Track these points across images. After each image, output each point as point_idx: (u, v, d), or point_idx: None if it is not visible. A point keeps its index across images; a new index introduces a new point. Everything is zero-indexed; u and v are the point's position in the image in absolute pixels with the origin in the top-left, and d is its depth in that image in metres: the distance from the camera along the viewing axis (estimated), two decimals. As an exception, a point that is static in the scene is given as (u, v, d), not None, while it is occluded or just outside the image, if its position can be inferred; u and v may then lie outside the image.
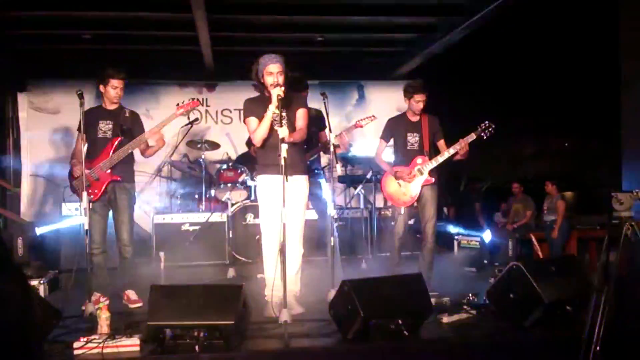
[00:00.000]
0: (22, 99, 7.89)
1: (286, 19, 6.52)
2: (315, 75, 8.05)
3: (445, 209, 7.26)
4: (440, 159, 5.00)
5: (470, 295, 4.41)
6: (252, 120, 4.31)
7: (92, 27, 6.56)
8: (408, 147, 5.09)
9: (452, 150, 4.95)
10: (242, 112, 4.46)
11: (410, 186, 5.04)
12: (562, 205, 7.50)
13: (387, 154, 5.30)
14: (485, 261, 6.37)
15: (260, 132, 4.24)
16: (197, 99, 5.05)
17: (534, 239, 6.47)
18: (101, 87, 4.72)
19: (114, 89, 4.69)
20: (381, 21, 6.69)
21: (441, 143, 5.12)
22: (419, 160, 5.04)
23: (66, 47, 7.29)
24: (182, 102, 4.88)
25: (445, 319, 3.98)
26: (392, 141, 5.23)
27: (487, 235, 6.48)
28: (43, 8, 5.92)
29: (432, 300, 4.01)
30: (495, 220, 8.87)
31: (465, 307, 4.21)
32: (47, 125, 7.72)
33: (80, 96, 4.45)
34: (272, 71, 4.22)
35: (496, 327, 3.81)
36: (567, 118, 10.12)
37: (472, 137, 4.93)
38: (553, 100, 9.57)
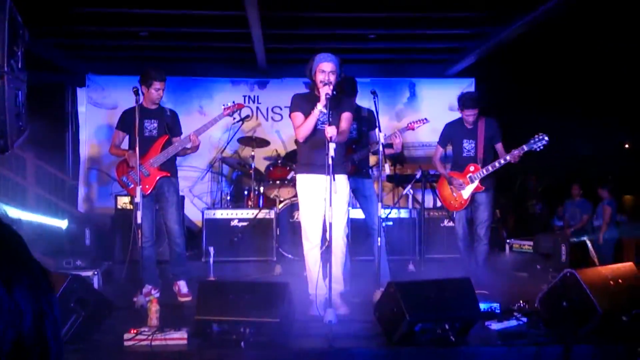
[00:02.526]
0: (81, 94, 8.16)
1: (338, 15, 6.48)
2: (366, 72, 8.01)
3: (497, 211, 7.06)
4: (490, 168, 5.10)
5: (521, 301, 4.28)
6: (298, 116, 4.34)
7: (149, 24, 6.71)
8: (464, 154, 5.25)
9: (502, 161, 5.06)
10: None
11: (462, 193, 5.23)
12: (608, 211, 7.24)
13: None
14: (539, 266, 6.18)
15: (305, 128, 4.25)
16: (241, 103, 5.26)
17: (590, 245, 6.24)
18: (143, 89, 4.85)
19: (156, 90, 4.84)
20: (434, 16, 6.56)
21: (499, 146, 5.20)
22: (471, 168, 5.19)
23: (124, 43, 7.49)
24: (227, 104, 5.06)
25: (494, 326, 3.88)
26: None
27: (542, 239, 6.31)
28: (102, 5, 6.10)
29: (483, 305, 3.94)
30: (551, 224, 8.62)
31: (515, 313, 4.09)
32: (104, 120, 7.96)
33: (136, 93, 4.63)
34: (325, 69, 4.22)
35: (548, 336, 3.69)
36: (628, 118, 9.70)
37: (524, 149, 4.96)
38: (613, 100, 9.20)
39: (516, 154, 4.95)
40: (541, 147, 4.93)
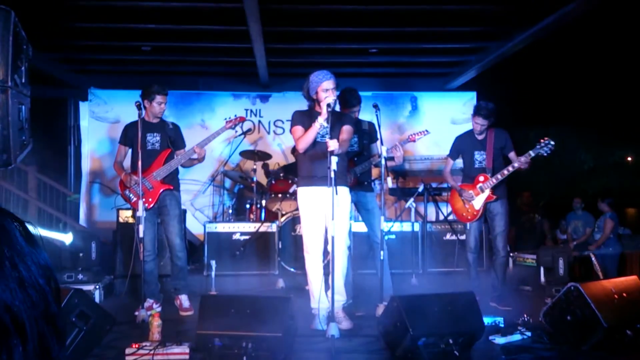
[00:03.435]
0: (84, 108, 8.18)
1: (340, 30, 6.52)
2: (368, 86, 8.05)
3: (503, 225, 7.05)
4: (500, 177, 5.07)
5: (525, 315, 4.25)
6: (299, 129, 4.36)
7: (152, 39, 6.75)
8: (476, 165, 5.24)
9: (510, 169, 5.02)
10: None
11: (473, 204, 5.19)
12: (609, 224, 7.23)
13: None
14: (543, 280, 6.15)
15: (305, 139, 4.26)
16: (243, 116, 5.31)
17: (594, 258, 6.21)
18: (146, 103, 4.86)
19: (159, 104, 4.86)
20: (435, 31, 6.60)
21: (512, 155, 5.22)
22: (481, 178, 5.17)
23: (126, 58, 7.53)
24: (229, 118, 5.10)
25: (498, 340, 3.85)
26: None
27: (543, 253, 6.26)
28: (106, 21, 6.15)
29: (487, 319, 3.91)
30: (555, 237, 8.59)
31: (519, 327, 4.06)
32: (107, 134, 7.98)
33: (139, 107, 4.65)
34: (328, 88, 4.24)
35: (552, 351, 3.65)
36: (630, 131, 9.71)
37: (530, 154, 4.92)
38: (615, 113, 9.21)
39: (523, 160, 4.94)
40: (548, 152, 4.92)
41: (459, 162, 5.57)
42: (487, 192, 5.10)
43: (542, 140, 4.93)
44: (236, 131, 5.56)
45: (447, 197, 5.71)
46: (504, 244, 5.15)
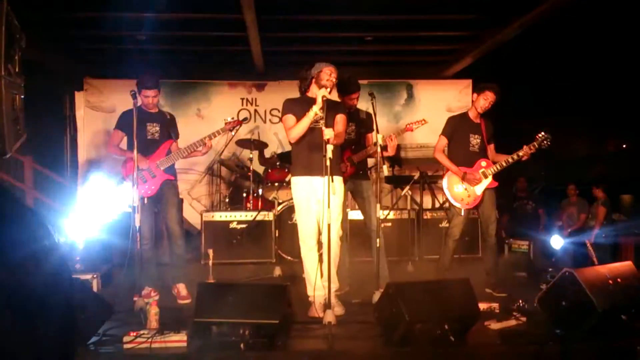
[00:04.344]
0: (80, 98, 8.15)
1: (335, 18, 6.50)
2: (363, 74, 8.02)
3: (496, 211, 7.05)
4: (504, 164, 5.03)
5: (520, 301, 4.29)
6: (290, 118, 4.36)
7: (147, 28, 6.71)
8: (470, 149, 5.13)
9: (515, 157, 5.00)
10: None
11: (475, 189, 5.09)
12: (602, 212, 7.28)
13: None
14: (538, 266, 6.19)
15: (298, 129, 4.27)
16: (240, 120, 5.26)
17: (589, 244, 6.25)
18: (137, 94, 4.85)
19: (146, 97, 4.86)
20: (431, 18, 6.58)
21: (491, 147, 5.13)
22: (483, 163, 5.11)
23: (122, 47, 7.49)
24: (229, 119, 5.11)
25: (494, 325, 3.89)
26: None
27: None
28: (101, 9, 6.11)
29: (483, 305, 3.95)
30: (550, 224, 8.63)
31: (515, 313, 4.11)
32: (103, 123, 7.96)
33: (133, 96, 4.62)
34: (331, 72, 4.31)
35: (547, 335, 3.68)
36: (625, 119, 9.73)
37: (535, 146, 4.96)
38: (611, 101, 9.22)
39: (527, 150, 4.94)
40: (548, 144, 4.95)
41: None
42: (490, 178, 5.05)
43: (540, 134, 4.96)
44: (232, 134, 5.54)
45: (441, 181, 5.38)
46: (495, 231, 5.13)
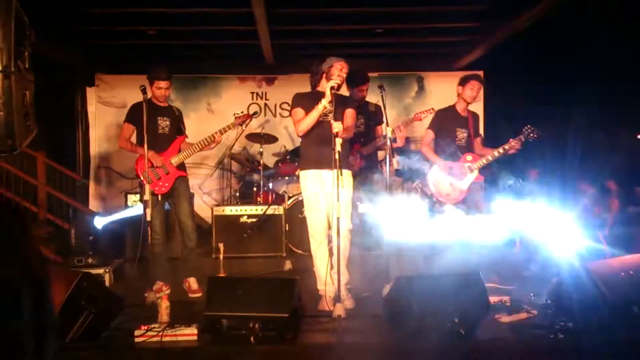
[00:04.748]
0: (91, 93, 8.21)
1: (345, 10, 6.46)
2: (374, 67, 7.99)
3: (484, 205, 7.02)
4: (490, 158, 4.98)
5: (531, 294, 4.26)
6: (299, 111, 4.36)
7: (157, 23, 6.73)
8: (457, 142, 5.08)
9: (501, 151, 4.96)
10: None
11: (461, 183, 5.01)
12: (615, 204, 7.20)
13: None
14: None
15: (306, 122, 4.27)
16: (249, 114, 5.27)
17: (600, 237, 6.19)
18: (148, 87, 4.86)
19: (158, 89, 4.86)
20: (441, 10, 6.53)
21: (477, 141, 5.09)
22: (469, 157, 5.04)
23: (132, 42, 7.51)
24: (238, 113, 5.13)
25: (504, 319, 3.87)
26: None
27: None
28: (111, 5, 6.13)
29: (493, 298, 3.93)
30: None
31: (525, 306, 4.08)
32: (114, 118, 8.00)
33: (143, 91, 4.65)
34: (342, 66, 4.31)
35: (557, 328, 3.65)
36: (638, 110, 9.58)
37: (522, 140, 4.90)
38: (628, 90, 9.09)
39: (513, 144, 4.88)
40: (535, 137, 4.88)
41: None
42: (476, 172, 4.98)
43: (525, 129, 4.91)
44: (243, 128, 5.56)
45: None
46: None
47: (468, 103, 5.06)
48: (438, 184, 5.08)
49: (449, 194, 5.04)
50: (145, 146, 4.59)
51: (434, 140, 5.18)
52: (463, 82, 5.09)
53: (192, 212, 5.12)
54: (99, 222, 6.01)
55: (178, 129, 5.03)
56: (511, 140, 4.92)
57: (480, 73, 8.22)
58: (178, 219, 5.04)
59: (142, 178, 4.86)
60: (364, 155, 5.05)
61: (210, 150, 5.29)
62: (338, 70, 4.28)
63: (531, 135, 4.88)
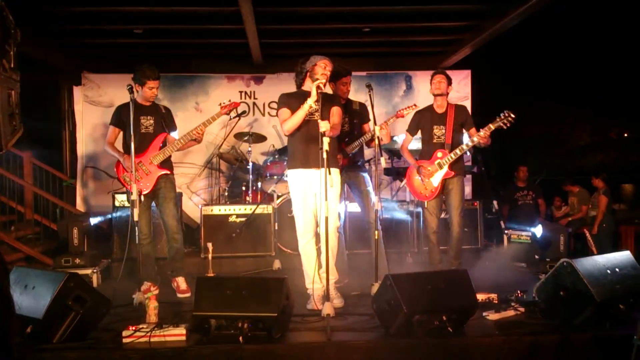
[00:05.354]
0: (78, 93, 8.13)
1: (332, 9, 6.46)
2: (361, 66, 8.00)
3: (495, 203, 7.04)
4: (458, 152, 5.00)
5: (518, 291, 4.29)
6: (285, 111, 4.37)
7: (144, 22, 6.69)
8: (435, 140, 5.13)
9: (470, 143, 4.96)
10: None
11: (432, 181, 5.08)
12: (604, 201, 7.26)
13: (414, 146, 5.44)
14: (537, 257, 6.19)
15: (293, 121, 4.28)
16: (237, 102, 5.23)
17: (587, 235, 6.25)
18: (137, 87, 4.83)
19: (150, 89, 4.83)
20: (429, 9, 6.55)
21: (472, 132, 5.11)
22: (439, 154, 5.08)
23: (119, 41, 7.47)
24: (224, 103, 5.08)
25: (492, 316, 3.90)
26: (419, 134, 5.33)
27: (538, 230, 6.29)
28: (97, 4, 6.09)
29: (481, 296, 3.95)
30: (551, 214, 8.63)
31: (513, 304, 4.11)
32: (101, 118, 7.94)
33: (130, 91, 4.63)
34: (325, 65, 4.31)
35: (545, 325, 3.69)
36: (627, 107, 9.70)
37: (491, 128, 4.86)
38: (611, 89, 9.19)
39: (482, 134, 4.84)
40: (508, 125, 4.80)
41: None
42: (446, 168, 5.01)
43: (502, 114, 4.83)
44: (231, 117, 5.55)
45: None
46: (458, 219, 5.05)
47: (437, 97, 5.13)
48: (412, 183, 5.23)
49: (422, 192, 5.15)
50: (132, 148, 4.55)
51: (422, 141, 5.25)
52: (431, 79, 5.19)
53: (176, 212, 5.05)
54: (87, 222, 5.97)
55: (162, 127, 4.96)
56: (481, 129, 4.87)
57: (468, 72, 8.32)
58: (162, 219, 4.98)
59: (122, 181, 4.87)
60: (347, 154, 5.05)
61: (198, 149, 5.25)
62: (322, 68, 4.28)
63: (505, 121, 4.80)
